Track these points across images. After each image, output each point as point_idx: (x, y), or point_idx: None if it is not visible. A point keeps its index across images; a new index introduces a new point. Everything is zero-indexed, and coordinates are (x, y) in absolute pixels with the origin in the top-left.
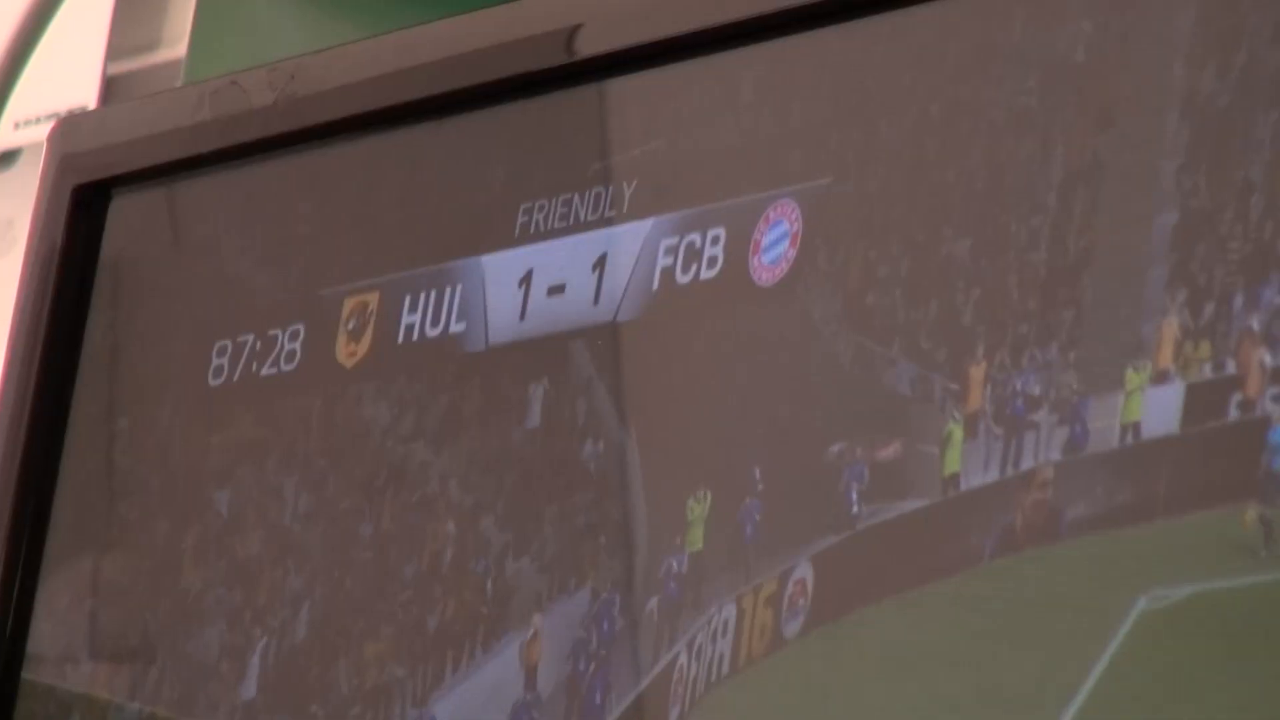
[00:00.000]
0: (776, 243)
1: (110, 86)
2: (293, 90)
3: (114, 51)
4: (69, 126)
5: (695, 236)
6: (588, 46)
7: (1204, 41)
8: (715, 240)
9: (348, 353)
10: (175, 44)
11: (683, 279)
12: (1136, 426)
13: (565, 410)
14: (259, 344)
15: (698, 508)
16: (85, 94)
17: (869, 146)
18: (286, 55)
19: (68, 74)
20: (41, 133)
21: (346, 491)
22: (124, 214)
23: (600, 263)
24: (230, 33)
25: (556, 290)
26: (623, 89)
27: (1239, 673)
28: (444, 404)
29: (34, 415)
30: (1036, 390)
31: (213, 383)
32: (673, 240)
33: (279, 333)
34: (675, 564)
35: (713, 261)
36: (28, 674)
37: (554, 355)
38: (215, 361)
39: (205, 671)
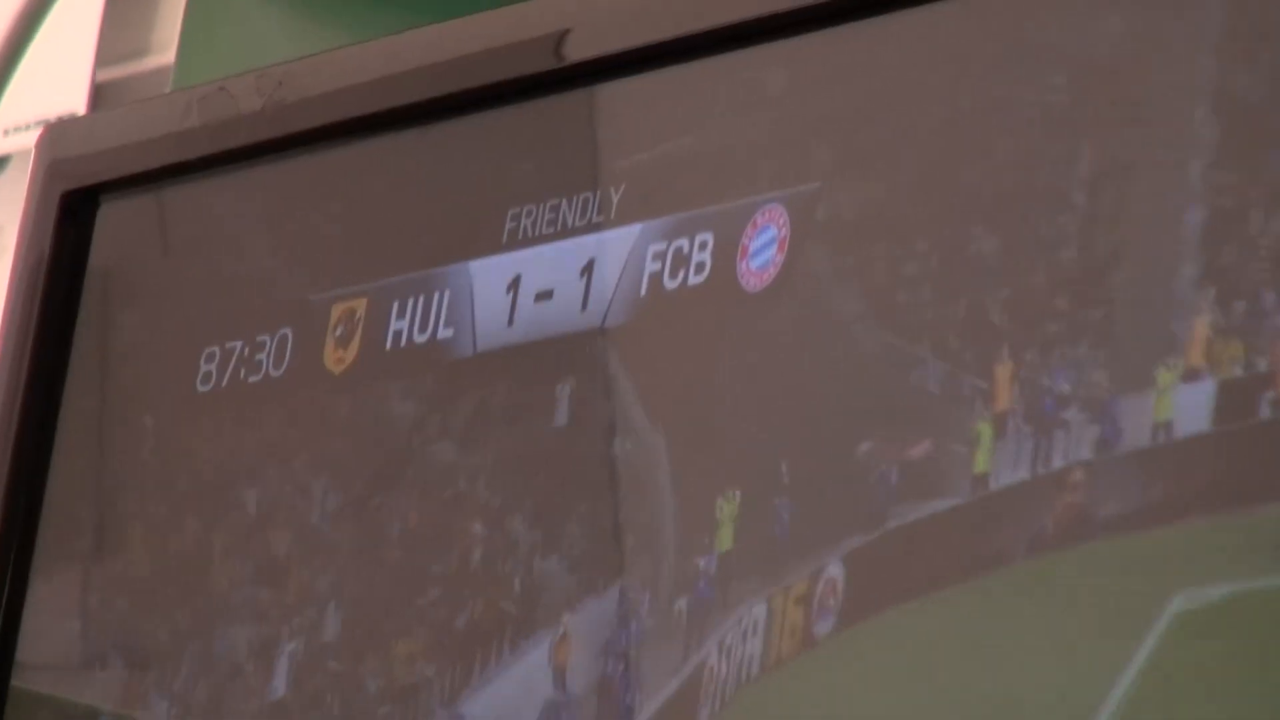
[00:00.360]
0: (764, 248)
1: (99, 93)
2: (281, 96)
3: (103, 58)
4: (57, 133)
5: (683, 242)
6: (576, 52)
7: (1234, 37)
8: (703, 246)
9: (336, 359)
10: (164, 50)
11: (671, 284)
12: (1169, 425)
13: (590, 412)
14: (247, 350)
15: (727, 507)
16: (74, 100)
17: (881, 148)
18: (275, 61)
19: (57, 80)
20: (31, 139)
21: (362, 493)
22: (112, 220)
23: (588, 268)
24: (219, 39)
25: (544, 296)
26: (611, 94)
27: (1277, 674)
28: (461, 406)
29: (22, 422)
30: (1067, 389)
31: (201, 389)
32: (661, 246)
33: (267, 339)
34: (705, 563)
35: (701, 267)
36: (18, 681)
37: (574, 357)
38: (204, 368)
39: (227, 673)
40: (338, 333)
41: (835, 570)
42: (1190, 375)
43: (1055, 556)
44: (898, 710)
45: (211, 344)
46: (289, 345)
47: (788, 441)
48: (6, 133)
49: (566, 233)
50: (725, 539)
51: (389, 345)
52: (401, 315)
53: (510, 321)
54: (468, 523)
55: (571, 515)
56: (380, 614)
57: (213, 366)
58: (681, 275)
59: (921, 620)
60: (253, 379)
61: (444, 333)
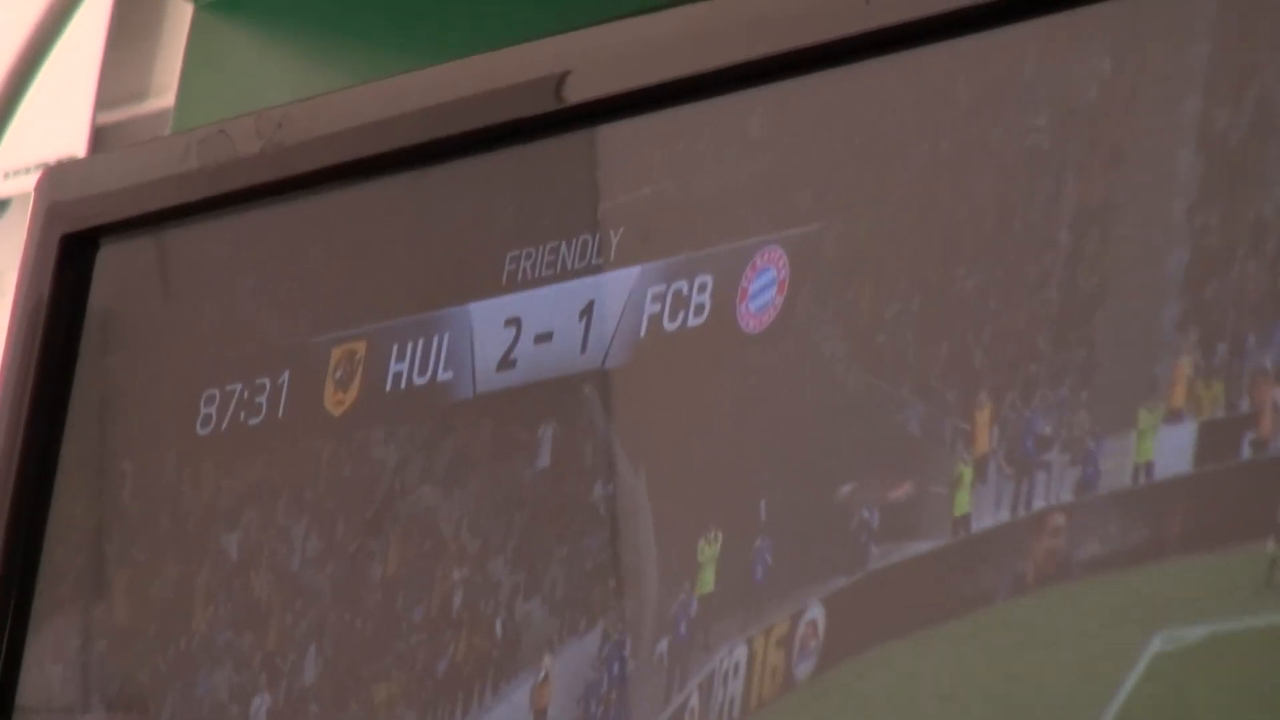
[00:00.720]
0: (764, 290)
1: (99, 136)
2: (280, 139)
3: (103, 101)
4: (56, 176)
5: (682, 284)
6: (575, 93)
7: (1216, 78)
8: (702, 288)
9: (335, 401)
10: (164, 93)
11: (670, 326)
12: (1149, 466)
13: (572, 454)
14: (247, 393)
15: (709, 549)
16: (74, 143)
17: (864, 190)
18: (274, 104)
19: (56, 123)
20: (30, 182)
21: (344, 536)
22: (112, 263)
23: (588, 310)
24: (218, 82)
25: (544, 338)
26: (610, 136)
27: (1257, 715)
28: (443, 449)
29: (22, 465)
30: (1048, 430)
31: (201, 432)
32: (660, 288)
33: (266, 381)
34: (686, 605)
35: (700, 309)
36: None
37: (558, 400)
38: (204, 410)
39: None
40: (338, 375)
41: (816, 612)
42: (1171, 417)
43: (1036, 598)
44: None
45: (211, 386)
46: (289, 388)
47: (770, 483)
48: (6, 176)
49: (566, 275)
50: (707, 581)
51: (389, 387)
52: (401, 358)
53: (510, 364)
54: (449, 566)
55: (554, 557)
56: (361, 657)
57: (213, 409)
58: (681, 317)
59: (902, 662)
60: (253, 421)
61: (444, 375)
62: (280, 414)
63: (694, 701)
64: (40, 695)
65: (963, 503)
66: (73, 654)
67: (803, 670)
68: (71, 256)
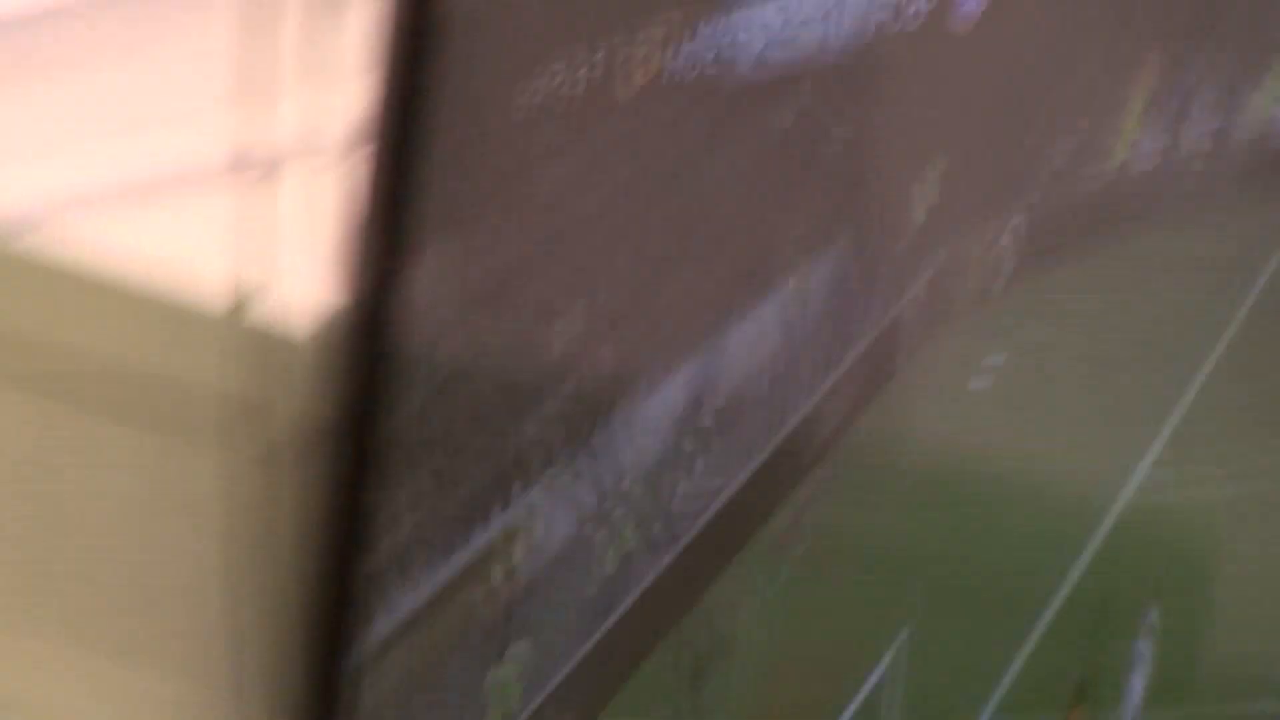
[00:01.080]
0: None
1: None
2: None
3: None
4: None
5: None
6: None
7: None
8: None
9: (638, 79)
10: None
11: (897, 25)
12: (1273, 119)
13: (812, 122)
14: (587, 67)
15: (927, 177)
16: None
17: None
18: None
19: None
20: None
21: (637, 185)
22: None
23: (831, 11)
24: None
25: (798, 32)
26: None
27: None
28: (705, 122)
29: (400, 120)
30: (1196, 83)
31: (531, 109)
32: None
33: (584, 63)
34: (910, 222)
35: (919, 11)
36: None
37: (805, 85)
38: (528, 93)
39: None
40: (639, 58)
41: (1010, 232)
42: None
43: (1178, 227)
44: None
45: (548, 61)
46: (593, 70)
47: (979, 131)
48: None
49: None
50: (923, 211)
51: (676, 72)
52: (683, 50)
53: (771, 55)
54: (700, 208)
55: (804, 193)
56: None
57: (541, 87)
58: (909, 12)
59: (1070, 279)
60: (575, 93)
61: (719, 61)
62: (593, 92)
63: (923, 292)
64: (416, 308)
65: (1126, 144)
66: (440, 271)
67: (1000, 282)
68: None
